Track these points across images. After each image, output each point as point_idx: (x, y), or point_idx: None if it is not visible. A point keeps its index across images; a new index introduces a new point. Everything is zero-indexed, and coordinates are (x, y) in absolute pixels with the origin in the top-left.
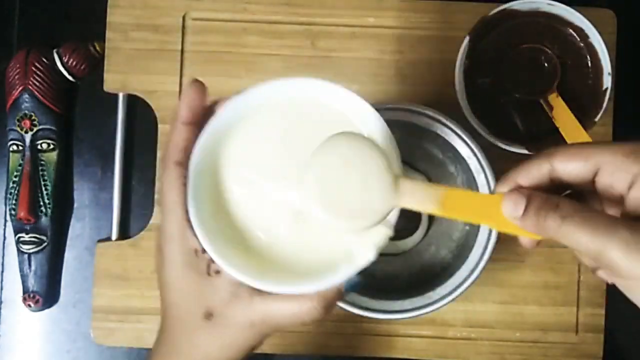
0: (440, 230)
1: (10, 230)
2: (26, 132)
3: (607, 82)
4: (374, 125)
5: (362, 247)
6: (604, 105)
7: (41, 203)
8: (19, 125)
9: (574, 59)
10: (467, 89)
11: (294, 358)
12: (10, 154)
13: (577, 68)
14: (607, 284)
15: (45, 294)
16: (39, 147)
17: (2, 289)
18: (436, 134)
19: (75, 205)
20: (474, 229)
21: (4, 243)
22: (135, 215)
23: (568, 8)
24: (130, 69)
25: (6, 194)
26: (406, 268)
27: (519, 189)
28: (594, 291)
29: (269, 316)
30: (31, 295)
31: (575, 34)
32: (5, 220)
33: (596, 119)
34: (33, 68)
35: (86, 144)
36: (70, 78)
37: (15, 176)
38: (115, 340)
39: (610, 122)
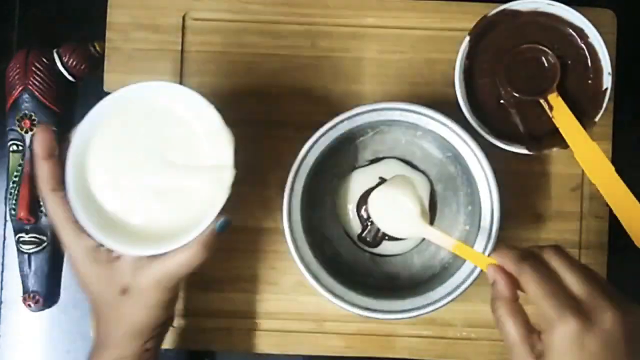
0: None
1: (10, 230)
2: (26, 132)
3: (607, 82)
4: (209, 120)
5: (216, 193)
6: (604, 105)
7: (41, 203)
8: (19, 125)
9: (574, 59)
10: (467, 89)
11: (294, 358)
12: (10, 154)
13: (577, 68)
14: None
15: (45, 294)
16: None
17: (2, 289)
18: (436, 134)
19: None
20: (474, 229)
21: (4, 243)
22: None
23: (568, 8)
24: (130, 69)
25: (6, 194)
26: (406, 268)
27: (498, 268)
28: None
29: (168, 270)
30: (31, 295)
31: (575, 34)
32: (5, 220)
33: (596, 119)
34: (33, 68)
35: None
36: (70, 78)
37: (15, 176)
38: None
39: (610, 122)
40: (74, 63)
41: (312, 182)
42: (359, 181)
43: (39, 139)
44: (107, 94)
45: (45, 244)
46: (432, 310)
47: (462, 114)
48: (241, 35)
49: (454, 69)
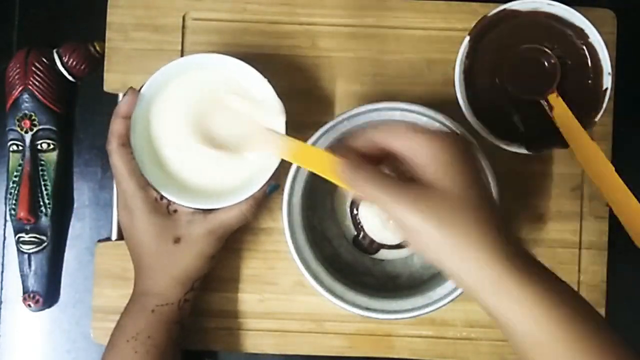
0: None
1: (10, 230)
2: (26, 132)
3: (607, 82)
4: (264, 91)
5: (269, 159)
6: (604, 105)
7: (41, 203)
8: (19, 125)
9: (574, 59)
10: (467, 89)
11: (294, 358)
12: (10, 154)
13: (577, 68)
14: (607, 285)
15: (45, 294)
16: (39, 147)
17: (2, 289)
18: None
19: (75, 205)
20: None
21: (4, 243)
22: None
23: (568, 8)
24: (130, 69)
25: (6, 194)
26: (406, 268)
27: (347, 154)
28: (594, 291)
29: (222, 223)
30: (31, 295)
31: (575, 34)
32: (5, 220)
33: (596, 119)
34: (33, 68)
35: (86, 144)
36: (70, 78)
37: (15, 176)
38: None
39: (610, 122)
40: (74, 63)
41: (312, 182)
42: None
43: (127, 100)
44: (107, 94)
45: (45, 244)
46: (432, 310)
47: (462, 113)
48: (241, 35)
49: (453, 68)
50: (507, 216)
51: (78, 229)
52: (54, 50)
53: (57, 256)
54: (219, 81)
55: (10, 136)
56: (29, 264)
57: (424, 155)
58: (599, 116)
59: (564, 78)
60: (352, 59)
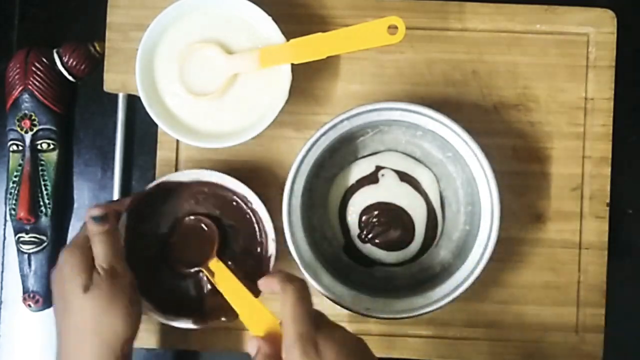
0: (439, 231)
1: (10, 230)
2: (26, 132)
3: (272, 248)
4: (267, 31)
5: (275, 98)
6: (270, 269)
7: (41, 203)
8: (19, 125)
9: (242, 223)
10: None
11: None
12: (10, 154)
13: (246, 230)
14: (607, 285)
15: (45, 294)
16: (39, 147)
17: (2, 288)
18: (436, 134)
19: (75, 205)
20: (474, 229)
21: (4, 243)
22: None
23: (225, 176)
24: (130, 69)
25: (6, 194)
26: (406, 268)
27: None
28: (594, 291)
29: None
30: (31, 295)
31: (240, 200)
32: (5, 220)
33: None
34: (33, 68)
35: (86, 144)
36: (70, 78)
37: (15, 176)
38: None
39: (610, 121)
40: (74, 63)
41: (312, 182)
42: (355, 169)
43: (127, 203)
44: (107, 94)
45: (45, 244)
46: (432, 310)
47: (462, 113)
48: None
49: (454, 68)
50: (507, 216)
51: (78, 229)
52: (54, 50)
53: (57, 256)
54: (220, 21)
55: (10, 136)
56: (29, 264)
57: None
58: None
59: (234, 240)
60: (352, 59)
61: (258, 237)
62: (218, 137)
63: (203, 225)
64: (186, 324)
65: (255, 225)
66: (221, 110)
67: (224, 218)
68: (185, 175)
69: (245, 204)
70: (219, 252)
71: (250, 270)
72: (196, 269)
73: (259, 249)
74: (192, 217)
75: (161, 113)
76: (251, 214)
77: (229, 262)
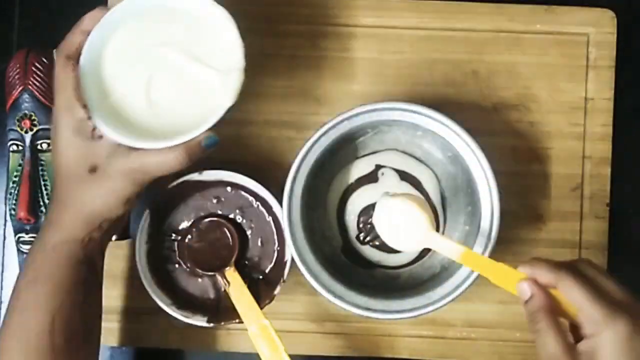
0: (440, 231)
1: (10, 230)
2: (26, 132)
3: (288, 253)
4: (221, 24)
5: (222, 99)
6: (285, 275)
7: (41, 203)
8: (19, 125)
9: (261, 227)
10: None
11: (294, 358)
12: (10, 154)
13: (265, 235)
14: None
15: None
16: (39, 147)
17: (2, 288)
18: (436, 134)
19: None
20: (474, 229)
21: (4, 243)
22: (135, 215)
23: (247, 179)
24: None
25: (6, 194)
26: (406, 269)
27: (533, 281)
28: None
29: (144, 165)
30: None
31: (260, 204)
32: (5, 220)
33: (275, 292)
34: (33, 68)
35: None
36: None
37: (15, 176)
38: (115, 340)
39: (610, 121)
40: None
41: (312, 182)
42: (355, 169)
43: (92, 15)
44: None
45: None
46: (432, 310)
47: (462, 114)
48: (242, 35)
49: (454, 68)
50: (507, 216)
51: None
52: (54, 50)
53: None
54: (174, 14)
55: (10, 136)
56: None
57: (595, 342)
58: (278, 289)
59: (248, 245)
60: (352, 59)
61: (276, 240)
62: (143, 134)
63: (225, 230)
64: (200, 322)
65: (274, 229)
66: (162, 104)
67: (244, 220)
68: (208, 175)
69: (265, 207)
70: (237, 259)
71: (267, 273)
72: (211, 273)
73: (276, 253)
74: (213, 219)
75: (96, 88)
76: (270, 217)
77: (246, 262)
